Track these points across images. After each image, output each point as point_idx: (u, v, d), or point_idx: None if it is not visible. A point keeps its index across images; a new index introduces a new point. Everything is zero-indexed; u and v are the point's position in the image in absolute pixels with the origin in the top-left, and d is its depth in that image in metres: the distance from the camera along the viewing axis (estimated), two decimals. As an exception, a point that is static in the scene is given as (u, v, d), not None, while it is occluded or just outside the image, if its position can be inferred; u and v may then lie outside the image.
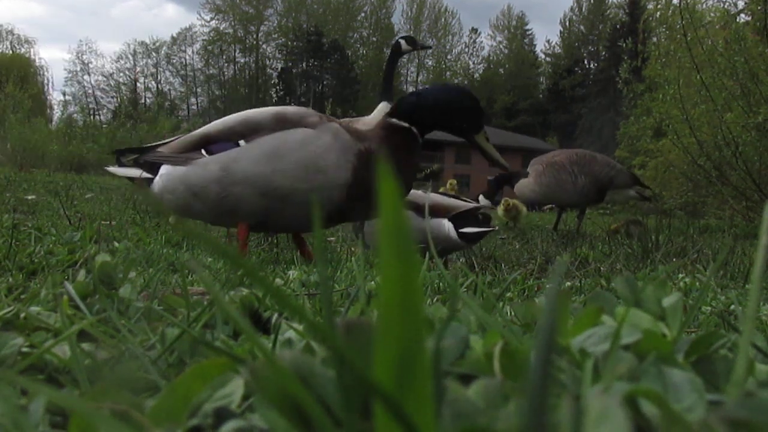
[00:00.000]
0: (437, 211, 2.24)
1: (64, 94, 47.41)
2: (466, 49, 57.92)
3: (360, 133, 1.80)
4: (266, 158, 1.71)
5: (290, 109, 1.81)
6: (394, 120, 1.81)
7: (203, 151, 1.79)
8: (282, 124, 1.76)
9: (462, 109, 1.84)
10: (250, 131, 1.76)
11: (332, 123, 1.80)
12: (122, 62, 52.60)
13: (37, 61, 41.16)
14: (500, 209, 4.87)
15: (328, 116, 1.83)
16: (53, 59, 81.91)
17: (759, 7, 6.63)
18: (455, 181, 7.28)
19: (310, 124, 1.77)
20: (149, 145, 1.93)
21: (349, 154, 1.74)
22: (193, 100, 54.21)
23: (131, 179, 1.89)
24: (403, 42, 3.96)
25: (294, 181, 1.71)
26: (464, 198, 2.53)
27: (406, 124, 1.80)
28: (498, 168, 2.03)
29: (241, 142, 1.76)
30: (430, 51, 55.99)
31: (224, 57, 54.24)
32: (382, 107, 4.01)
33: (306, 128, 1.75)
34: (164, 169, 1.80)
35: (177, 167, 1.78)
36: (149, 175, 1.83)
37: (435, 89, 1.85)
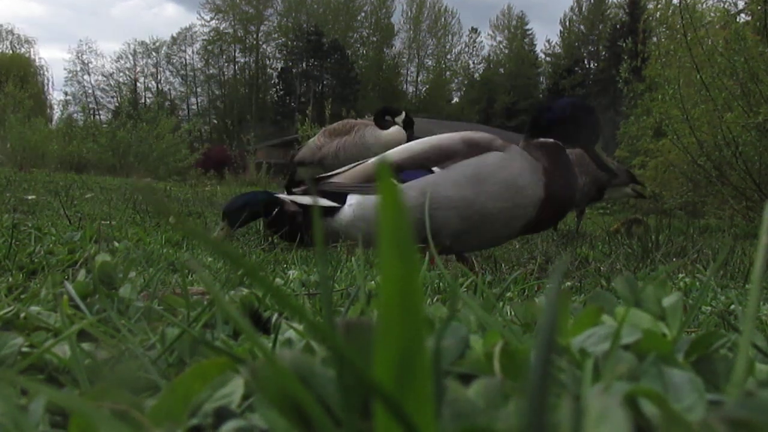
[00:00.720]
0: None
1: (65, 94, 47.41)
2: (466, 49, 57.93)
3: (534, 153, 1.89)
4: (469, 182, 1.77)
5: (476, 135, 1.89)
6: (542, 139, 1.90)
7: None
8: (474, 149, 1.83)
9: (588, 121, 1.96)
10: (443, 158, 1.82)
11: (514, 145, 1.89)
12: (122, 62, 52.59)
13: (37, 60, 41.20)
14: None
15: (504, 139, 1.94)
16: (53, 59, 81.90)
17: (759, 7, 6.63)
18: None
19: (499, 147, 1.86)
20: (323, 175, 1.99)
21: (538, 172, 1.84)
22: (193, 99, 54.19)
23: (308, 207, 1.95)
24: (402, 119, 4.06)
25: (497, 201, 1.78)
26: None
27: (551, 140, 1.90)
28: (604, 172, 2.14)
29: (435, 169, 1.81)
30: (430, 51, 56.11)
31: (224, 57, 54.21)
32: (397, 130, 4.02)
33: (497, 151, 1.83)
34: (354, 199, 1.86)
35: (369, 196, 1.84)
36: (333, 204, 1.88)
37: (564, 104, 1.96)
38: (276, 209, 2.57)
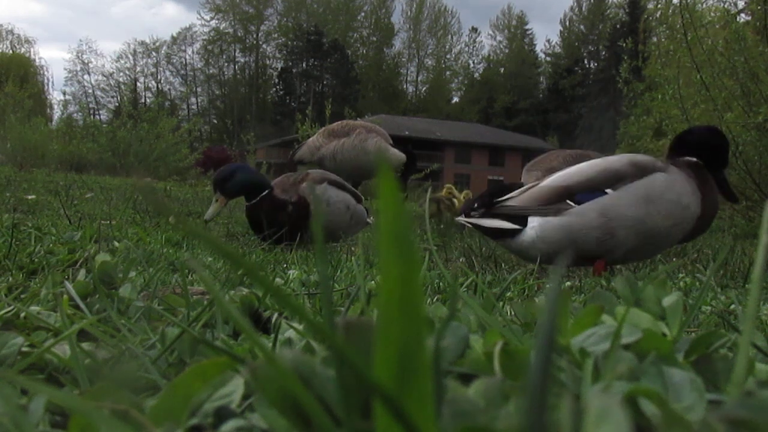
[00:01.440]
0: None
1: (64, 93, 47.28)
2: (466, 49, 57.95)
3: (686, 171, 2.02)
4: (641, 202, 1.92)
5: (639, 157, 2.04)
6: (686, 158, 2.02)
7: (569, 202, 1.97)
8: (641, 170, 1.96)
9: (723, 147, 2.08)
10: (614, 180, 1.96)
11: (672, 166, 2.00)
12: (122, 62, 52.64)
13: (37, 60, 41.15)
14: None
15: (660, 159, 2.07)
16: (53, 59, 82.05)
17: (759, 7, 6.63)
18: (452, 186, 6.83)
19: (661, 168, 1.97)
20: (498, 199, 2.10)
21: (696, 190, 1.97)
22: (193, 99, 54.23)
23: (486, 228, 2.05)
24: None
25: (666, 219, 1.92)
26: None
27: (695, 159, 2.02)
28: (727, 199, 2.20)
29: (608, 191, 1.95)
30: (430, 51, 56.14)
31: (224, 56, 54.25)
32: (400, 155, 4.19)
33: (661, 172, 1.96)
34: (536, 221, 1.97)
35: (549, 218, 1.96)
36: (513, 226, 2.00)
37: (703, 130, 2.13)
38: (265, 192, 2.48)
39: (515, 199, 2.04)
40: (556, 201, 1.96)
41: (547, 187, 2.01)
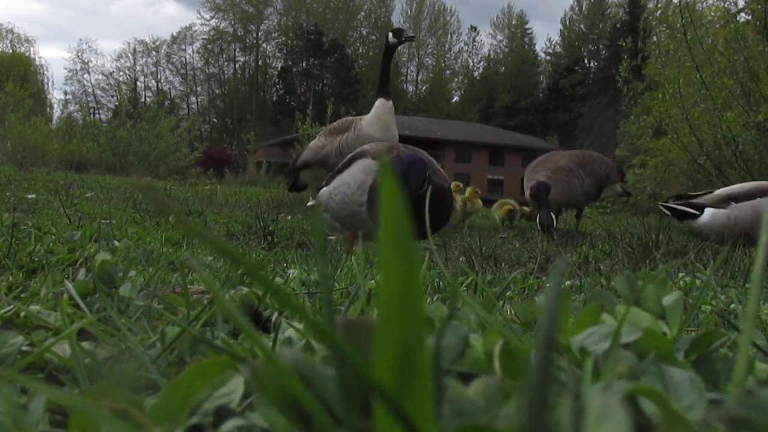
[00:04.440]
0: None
1: (64, 93, 47.19)
2: (466, 48, 57.94)
3: None
4: None
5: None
6: None
7: (732, 203, 3.22)
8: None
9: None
10: (761, 192, 3.17)
11: None
12: (122, 61, 52.56)
13: (37, 60, 40.94)
14: (499, 213, 4.85)
15: None
16: (53, 58, 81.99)
17: (759, 6, 6.63)
18: (461, 184, 6.60)
19: None
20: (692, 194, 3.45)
21: None
22: (193, 99, 54.18)
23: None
24: (390, 35, 4.25)
25: None
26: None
27: None
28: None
29: (759, 198, 3.17)
30: (430, 50, 56.09)
31: (224, 56, 54.21)
32: (380, 103, 4.08)
33: None
34: (710, 211, 3.20)
35: (719, 210, 3.21)
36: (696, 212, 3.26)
37: None
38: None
39: (704, 197, 3.07)
40: (725, 201, 3.00)
41: (718, 194, 3.11)
